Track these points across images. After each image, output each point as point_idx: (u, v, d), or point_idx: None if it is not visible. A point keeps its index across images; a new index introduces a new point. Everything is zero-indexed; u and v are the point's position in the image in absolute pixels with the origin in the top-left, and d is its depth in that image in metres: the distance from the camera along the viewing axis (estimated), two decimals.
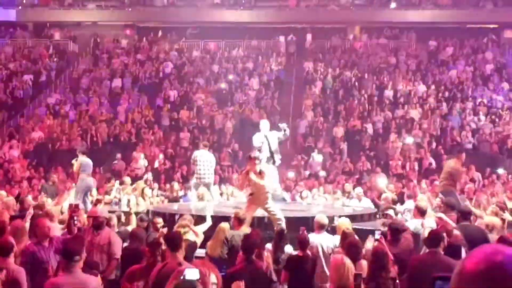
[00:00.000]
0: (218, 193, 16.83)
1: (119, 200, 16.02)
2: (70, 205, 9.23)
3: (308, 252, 8.18)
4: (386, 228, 8.42)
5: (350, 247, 7.24)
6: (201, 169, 14.37)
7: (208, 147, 15.36)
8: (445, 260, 6.57)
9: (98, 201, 13.66)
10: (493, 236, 8.70)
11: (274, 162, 13.57)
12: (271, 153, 13.49)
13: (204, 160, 14.44)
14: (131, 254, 8.02)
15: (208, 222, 9.77)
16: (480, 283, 1.63)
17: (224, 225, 9.42)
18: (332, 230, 9.52)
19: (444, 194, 13.49)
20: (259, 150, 13.45)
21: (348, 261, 6.11)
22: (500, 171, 19.91)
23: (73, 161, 15.26)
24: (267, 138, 13.55)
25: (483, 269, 1.64)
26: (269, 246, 9.07)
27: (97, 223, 8.55)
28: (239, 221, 9.14)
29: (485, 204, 12.99)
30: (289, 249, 8.82)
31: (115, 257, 8.24)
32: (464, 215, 9.06)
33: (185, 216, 9.49)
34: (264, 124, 14.11)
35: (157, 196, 16.81)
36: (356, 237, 8.08)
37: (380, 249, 7.05)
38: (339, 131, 23.53)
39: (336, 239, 8.82)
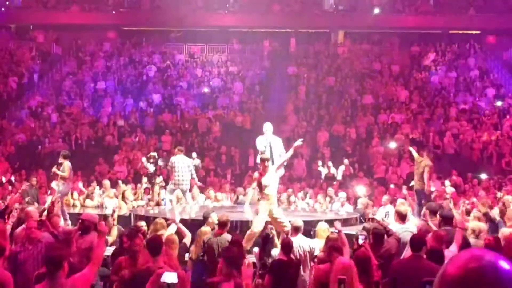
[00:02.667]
0: (203, 198, 16.81)
1: (101, 204, 16.00)
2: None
3: (292, 256, 8.19)
4: (368, 232, 8.46)
5: (332, 251, 7.26)
6: (179, 175, 14.24)
7: (183, 151, 15.15)
8: (428, 265, 6.59)
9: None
10: (479, 241, 8.76)
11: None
12: (272, 159, 13.08)
13: (182, 166, 14.31)
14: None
15: (174, 226, 9.47)
16: None
17: (205, 229, 9.38)
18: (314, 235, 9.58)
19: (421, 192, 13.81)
20: (261, 154, 13.11)
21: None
22: (482, 176, 20.03)
23: (58, 167, 14.99)
24: (270, 142, 12.87)
25: (463, 274, 1.65)
26: (256, 250, 9.08)
27: (84, 227, 8.50)
28: (221, 226, 9.10)
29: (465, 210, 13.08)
30: (276, 252, 8.83)
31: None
32: (446, 219, 9.10)
33: (157, 220, 9.41)
34: (268, 126, 13.20)
35: (141, 199, 16.76)
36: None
37: (363, 253, 7.07)
38: (323, 136, 23.55)
39: (313, 242, 8.84)
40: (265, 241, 8.99)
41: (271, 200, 10.48)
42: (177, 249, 8.22)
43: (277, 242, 9.15)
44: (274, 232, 9.67)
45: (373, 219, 9.88)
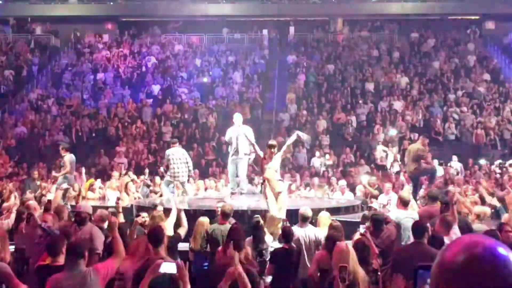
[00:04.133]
0: (203, 188, 16.83)
1: (103, 196, 15.98)
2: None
3: (293, 244, 8.19)
4: (368, 220, 8.46)
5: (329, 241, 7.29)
6: (175, 168, 14.29)
7: (177, 143, 15.18)
8: (429, 251, 6.60)
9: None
10: (483, 226, 8.75)
11: (238, 154, 13.39)
12: (237, 147, 13.30)
13: (177, 158, 14.35)
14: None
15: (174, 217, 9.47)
16: (459, 274, 1.64)
17: (203, 219, 9.39)
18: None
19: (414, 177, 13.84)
20: (230, 144, 13.47)
21: (351, 248, 6.13)
22: (482, 161, 20.03)
23: (65, 160, 14.91)
24: (238, 134, 13.25)
25: (462, 260, 1.64)
26: (247, 239, 9.09)
27: (80, 219, 8.46)
28: (225, 215, 9.11)
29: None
30: (269, 239, 8.85)
31: (96, 251, 8.14)
32: (447, 205, 9.08)
33: (155, 213, 9.40)
34: (237, 117, 13.75)
35: (144, 185, 16.77)
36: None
37: (362, 241, 7.07)
38: (323, 124, 23.52)
39: (318, 232, 8.84)
40: (255, 228, 8.96)
41: (272, 185, 10.67)
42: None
43: (266, 229, 9.17)
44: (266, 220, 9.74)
45: (371, 208, 9.91)
